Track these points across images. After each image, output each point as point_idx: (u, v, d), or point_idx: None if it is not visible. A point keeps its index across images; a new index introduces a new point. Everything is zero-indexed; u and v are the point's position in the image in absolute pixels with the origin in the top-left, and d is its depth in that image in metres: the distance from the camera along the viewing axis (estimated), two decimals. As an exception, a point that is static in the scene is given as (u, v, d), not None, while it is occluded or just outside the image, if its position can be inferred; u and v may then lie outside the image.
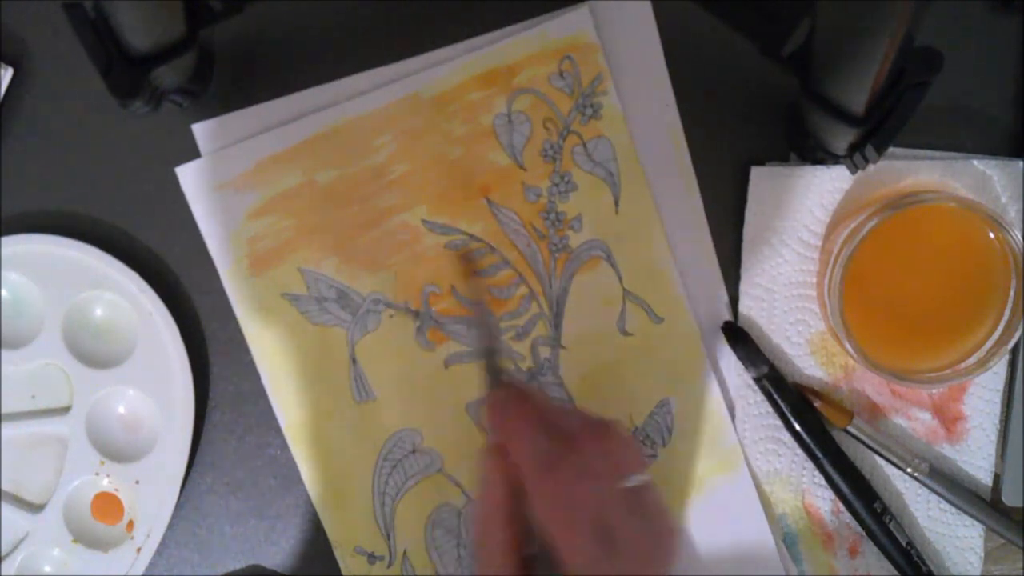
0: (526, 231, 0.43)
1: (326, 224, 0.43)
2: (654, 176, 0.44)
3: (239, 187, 0.42)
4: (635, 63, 0.43)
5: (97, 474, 0.43)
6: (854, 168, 0.38)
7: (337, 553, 0.44)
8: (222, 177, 0.42)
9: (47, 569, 0.43)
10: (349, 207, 0.43)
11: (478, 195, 0.43)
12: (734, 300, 0.44)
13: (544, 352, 0.44)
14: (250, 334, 0.43)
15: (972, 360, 0.41)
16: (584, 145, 0.43)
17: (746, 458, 0.44)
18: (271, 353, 0.43)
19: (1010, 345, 0.40)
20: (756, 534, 0.44)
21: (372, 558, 0.44)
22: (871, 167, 0.38)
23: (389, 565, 0.43)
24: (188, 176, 0.42)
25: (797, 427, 0.43)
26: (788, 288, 0.44)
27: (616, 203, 0.43)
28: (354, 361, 0.43)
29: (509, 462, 0.34)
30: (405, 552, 0.44)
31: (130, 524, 0.43)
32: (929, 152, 0.44)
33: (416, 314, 0.43)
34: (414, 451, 0.43)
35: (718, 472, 0.44)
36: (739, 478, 0.44)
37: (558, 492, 0.33)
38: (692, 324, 0.44)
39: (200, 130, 0.42)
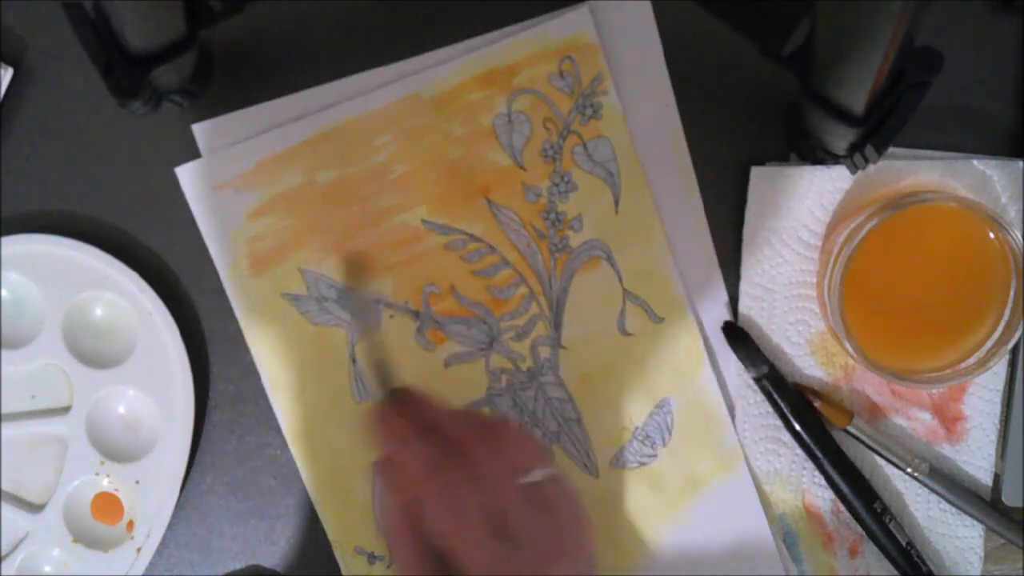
0: (526, 231, 0.43)
1: (326, 224, 0.43)
2: (654, 176, 0.44)
3: (239, 187, 0.42)
4: (635, 63, 0.43)
5: (97, 474, 0.43)
6: (854, 168, 0.38)
7: (337, 553, 0.44)
8: (222, 177, 0.42)
9: (47, 569, 0.43)
10: (349, 207, 0.43)
11: (478, 195, 0.43)
12: (734, 300, 0.44)
13: (544, 352, 0.44)
14: (250, 334, 0.43)
15: (972, 360, 0.41)
16: (584, 145, 0.43)
17: (746, 458, 0.44)
18: (271, 353, 0.43)
19: (1010, 345, 0.40)
20: (756, 534, 0.44)
21: (372, 558, 0.44)
22: (871, 167, 0.38)
23: (389, 565, 0.43)
24: (188, 176, 0.42)
25: (797, 427, 0.43)
26: (788, 288, 0.44)
27: (616, 203, 0.43)
28: (354, 361, 0.43)
29: (399, 473, 0.34)
30: None
31: (130, 524, 0.43)
32: (929, 152, 0.44)
33: (416, 314, 0.43)
34: (414, 451, 0.43)
35: (718, 472, 0.44)
36: (739, 478, 0.44)
37: (447, 497, 0.33)
38: (692, 324, 0.44)
39: (200, 130, 0.42)
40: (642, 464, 0.44)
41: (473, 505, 0.33)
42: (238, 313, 0.43)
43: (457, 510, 0.33)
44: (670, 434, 0.44)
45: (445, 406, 0.38)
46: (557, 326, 0.44)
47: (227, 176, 0.42)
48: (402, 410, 0.36)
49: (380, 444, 0.36)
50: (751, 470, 0.44)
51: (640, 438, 0.44)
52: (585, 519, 0.37)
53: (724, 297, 0.44)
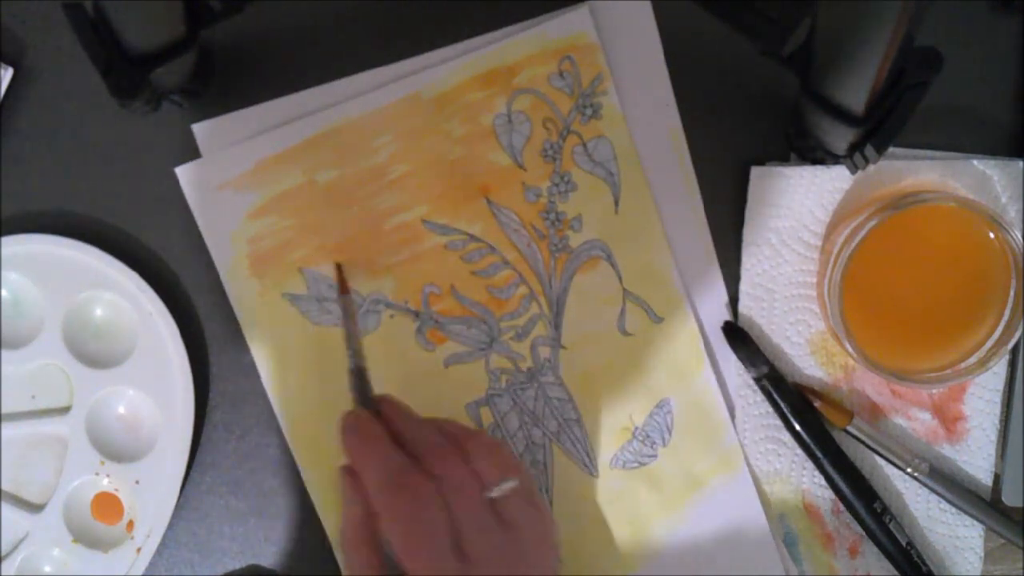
0: (526, 231, 0.43)
1: (326, 224, 0.43)
2: (654, 176, 0.44)
3: (239, 187, 0.42)
4: (635, 63, 0.43)
5: (97, 474, 0.43)
6: (854, 168, 0.38)
7: (337, 553, 0.44)
8: (222, 177, 0.42)
9: (47, 569, 0.43)
10: (349, 207, 0.43)
11: (478, 195, 0.43)
12: (734, 300, 0.44)
13: (544, 352, 0.44)
14: (250, 334, 0.43)
15: (972, 360, 0.41)
16: (584, 145, 0.43)
17: (746, 458, 0.44)
18: (271, 353, 0.43)
19: (1010, 345, 0.40)
20: (756, 534, 0.44)
21: (372, 558, 0.44)
22: (871, 167, 0.38)
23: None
24: (188, 176, 0.42)
25: (797, 427, 0.43)
26: (788, 288, 0.44)
27: (616, 203, 0.43)
28: (354, 361, 0.43)
29: (360, 482, 0.34)
30: None
31: (130, 524, 0.43)
32: (929, 152, 0.44)
33: (416, 314, 0.43)
34: (414, 451, 0.43)
35: (718, 472, 0.44)
36: (739, 478, 0.44)
37: (403, 512, 0.33)
38: (692, 324, 0.44)
39: (200, 130, 0.42)
40: (642, 464, 0.44)
41: (429, 520, 0.33)
42: (238, 313, 0.43)
43: (411, 525, 0.32)
44: (670, 434, 0.44)
45: (418, 415, 0.38)
46: (557, 326, 0.44)
47: (227, 176, 0.42)
48: (372, 418, 0.36)
49: (346, 452, 0.36)
50: (751, 470, 0.44)
51: (640, 438, 0.44)
52: (552, 536, 0.37)
53: (724, 297, 0.44)
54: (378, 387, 0.43)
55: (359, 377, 0.38)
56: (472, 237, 0.43)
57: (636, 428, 0.44)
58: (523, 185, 0.43)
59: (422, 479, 0.34)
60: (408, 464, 0.34)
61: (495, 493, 0.35)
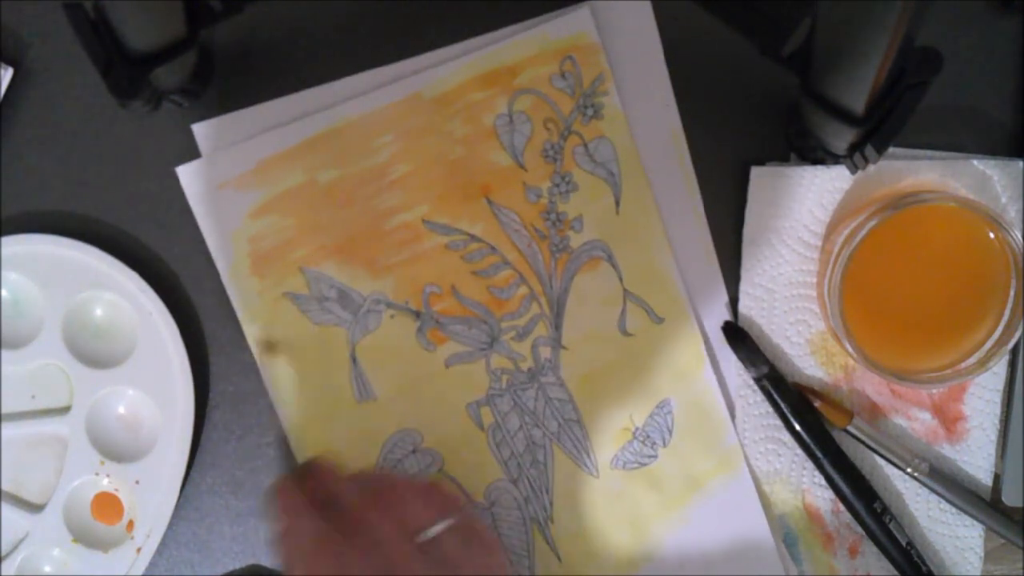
0: (527, 231, 0.43)
1: (327, 224, 0.43)
2: (655, 176, 0.44)
3: (240, 186, 0.42)
4: (635, 64, 0.43)
5: (97, 474, 0.43)
6: (854, 168, 0.38)
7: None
8: (223, 176, 0.42)
9: (47, 569, 0.43)
10: (350, 207, 0.43)
11: (479, 195, 0.43)
12: (734, 300, 0.44)
13: (545, 352, 0.44)
14: (250, 334, 0.43)
15: (972, 360, 0.41)
16: (585, 145, 0.43)
17: (746, 458, 0.44)
18: (272, 353, 0.43)
19: (1010, 345, 0.40)
20: (756, 534, 0.44)
21: (372, 558, 0.44)
22: (871, 167, 0.38)
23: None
24: (189, 175, 0.42)
25: (797, 427, 0.43)
26: (788, 288, 0.44)
27: (617, 203, 0.43)
28: (355, 361, 0.43)
29: (293, 547, 0.35)
30: None
31: (130, 524, 0.43)
32: (929, 152, 0.44)
33: (417, 314, 0.43)
34: (414, 451, 0.43)
35: (718, 472, 0.44)
36: (739, 478, 0.44)
37: (335, 571, 0.33)
38: (692, 324, 0.44)
39: (200, 130, 0.42)
40: (642, 464, 0.44)
41: (366, 572, 0.33)
42: (239, 313, 0.43)
43: None
44: (670, 434, 0.44)
45: (343, 474, 0.38)
46: (558, 326, 0.44)
47: (228, 175, 0.42)
48: (300, 483, 0.37)
49: (276, 517, 0.36)
50: (751, 470, 0.44)
51: (640, 438, 0.44)
52: (499, 568, 0.36)
53: (724, 297, 0.44)
54: (379, 387, 0.43)
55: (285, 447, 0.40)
56: (473, 237, 0.43)
57: (636, 428, 0.44)
58: (524, 185, 0.43)
59: (342, 541, 0.34)
60: (327, 529, 0.34)
61: (430, 534, 0.35)
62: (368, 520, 0.35)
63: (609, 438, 0.44)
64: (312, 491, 0.37)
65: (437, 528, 0.35)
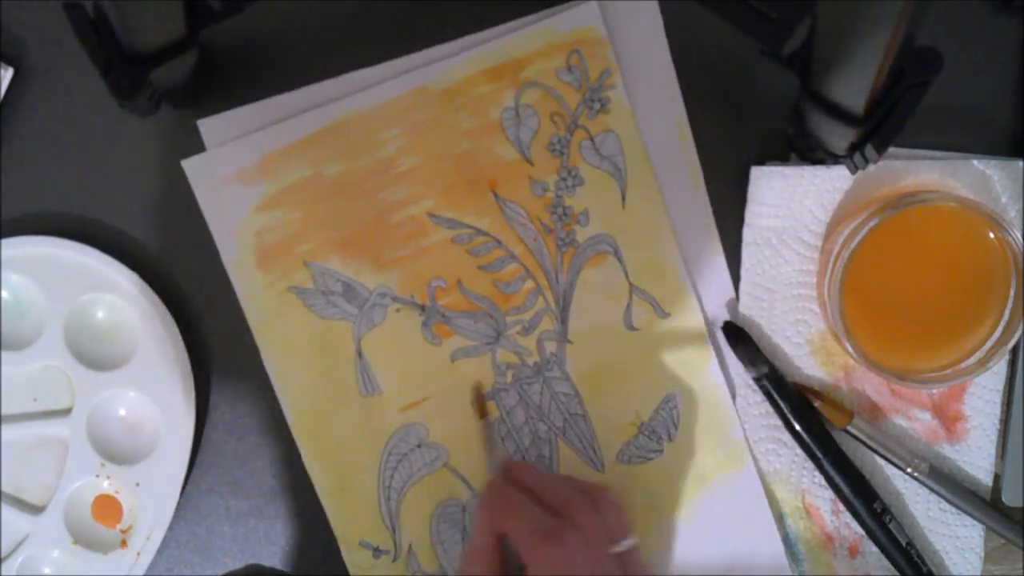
0: (533, 225, 0.43)
1: (333, 217, 0.43)
2: (661, 171, 0.44)
3: (246, 180, 0.42)
4: (642, 58, 0.43)
5: (97, 476, 0.43)
6: (854, 168, 0.38)
7: (342, 546, 0.43)
8: (229, 170, 0.42)
9: (47, 571, 0.43)
10: (356, 200, 0.43)
11: (485, 189, 0.43)
12: (734, 300, 0.44)
13: (550, 347, 0.44)
14: (256, 327, 0.43)
15: (972, 360, 0.41)
16: (592, 139, 0.43)
17: (752, 453, 0.44)
18: (277, 346, 0.43)
19: (1010, 345, 0.40)
20: (761, 529, 0.44)
21: (377, 552, 0.43)
22: (871, 167, 0.38)
23: (395, 559, 0.43)
24: (194, 169, 0.42)
25: (797, 427, 0.43)
26: (788, 288, 0.44)
27: (623, 198, 0.43)
28: (360, 355, 0.43)
29: (511, 544, 0.36)
30: (411, 546, 0.44)
31: (130, 526, 0.43)
32: (929, 152, 0.44)
33: (422, 308, 0.43)
34: (420, 445, 0.43)
35: (724, 467, 0.44)
36: (744, 473, 0.44)
37: (558, 563, 0.34)
38: (698, 319, 0.44)
39: (206, 126, 0.42)
40: (648, 459, 0.44)
41: (579, 569, 0.34)
42: (244, 306, 0.43)
43: (565, 573, 0.34)
44: (676, 429, 0.44)
45: (544, 472, 0.40)
46: (563, 321, 0.44)
47: (234, 169, 0.42)
48: (508, 485, 0.38)
49: (494, 518, 0.37)
50: (756, 466, 0.44)
51: (646, 433, 0.44)
52: None
53: (731, 291, 0.44)
54: (384, 381, 0.43)
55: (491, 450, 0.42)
56: (479, 231, 0.43)
57: (642, 423, 0.44)
58: (530, 179, 0.43)
59: (569, 533, 0.35)
60: (555, 520, 0.36)
61: (619, 548, 0.36)
62: (578, 520, 0.36)
63: (614, 433, 0.44)
64: (521, 490, 0.38)
65: (629, 543, 0.37)
